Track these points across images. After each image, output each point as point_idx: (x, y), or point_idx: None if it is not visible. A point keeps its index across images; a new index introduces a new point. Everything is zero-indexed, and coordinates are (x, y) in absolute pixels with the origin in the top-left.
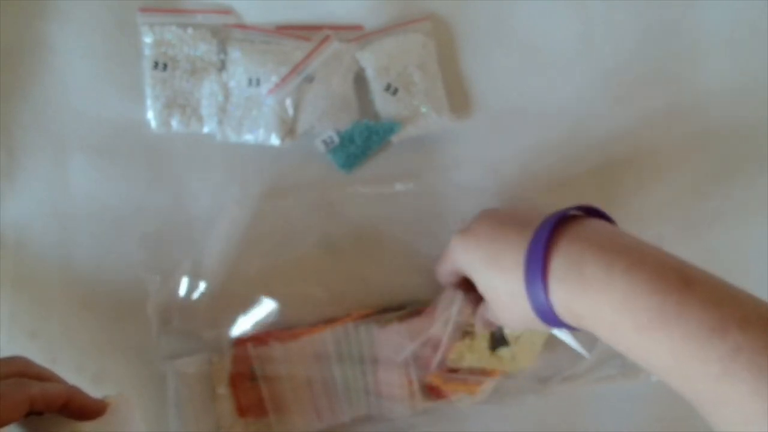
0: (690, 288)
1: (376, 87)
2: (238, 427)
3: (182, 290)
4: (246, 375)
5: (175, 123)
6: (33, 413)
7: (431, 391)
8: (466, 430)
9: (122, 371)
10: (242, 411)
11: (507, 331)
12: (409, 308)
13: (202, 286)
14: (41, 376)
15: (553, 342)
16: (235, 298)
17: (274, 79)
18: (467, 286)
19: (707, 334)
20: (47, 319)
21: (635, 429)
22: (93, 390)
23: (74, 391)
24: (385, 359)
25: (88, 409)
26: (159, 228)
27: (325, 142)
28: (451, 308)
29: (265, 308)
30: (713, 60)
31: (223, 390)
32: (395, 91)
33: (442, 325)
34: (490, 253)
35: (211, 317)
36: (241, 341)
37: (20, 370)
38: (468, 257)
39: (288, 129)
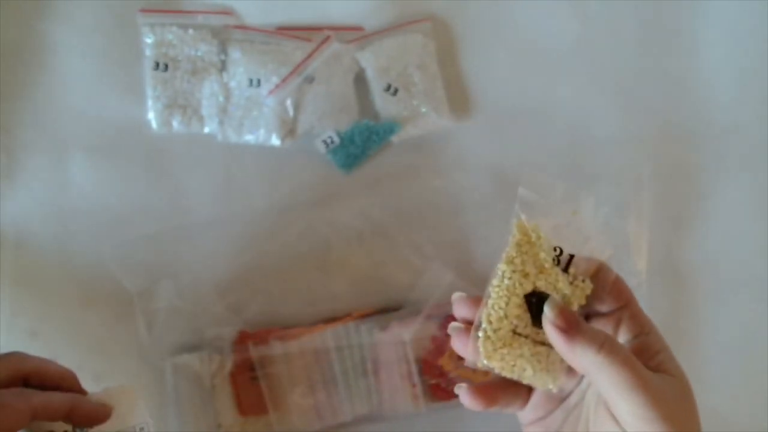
0: None
1: (376, 87)
2: (238, 426)
3: (181, 291)
4: (246, 373)
5: (175, 123)
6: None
7: (436, 393)
8: (466, 430)
9: (123, 370)
10: (242, 409)
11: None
12: (409, 308)
13: (202, 285)
14: (40, 370)
15: None
16: (235, 296)
17: (275, 79)
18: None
19: None
20: (47, 318)
21: None
22: (94, 389)
23: (78, 400)
24: (386, 360)
25: (92, 417)
26: (158, 228)
27: (325, 142)
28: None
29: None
30: (712, 59)
31: (223, 388)
32: (395, 92)
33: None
34: None
35: (212, 315)
36: (241, 339)
37: (16, 368)
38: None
39: (288, 129)
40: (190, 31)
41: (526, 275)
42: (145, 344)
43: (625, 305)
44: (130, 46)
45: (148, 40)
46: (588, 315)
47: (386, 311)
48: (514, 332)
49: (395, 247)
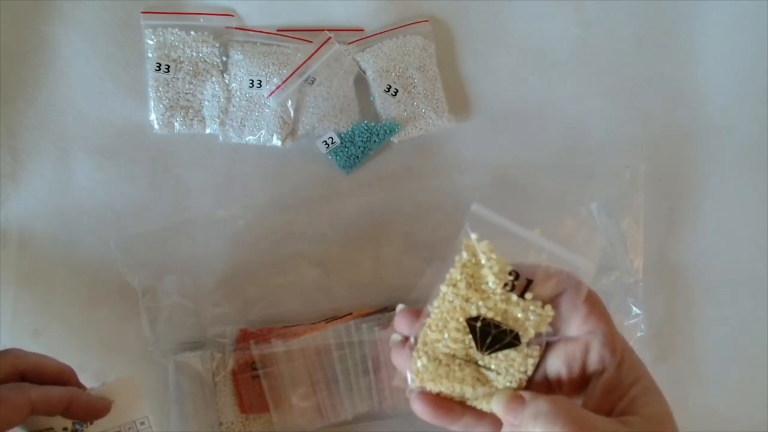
0: None
1: (376, 88)
2: (239, 424)
3: (183, 289)
4: (248, 371)
5: (177, 124)
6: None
7: None
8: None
9: (124, 369)
10: (244, 407)
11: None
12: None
13: (203, 284)
14: (38, 365)
15: None
16: (237, 295)
17: (276, 80)
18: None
19: None
20: (50, 317)
21: None
22: (94, 386)
23: (76, 394)
24: (387, 358)
25: (91, 411)
26: (160, 226)
27: (326, 142)
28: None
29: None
30: (710, 60)
31: (224, 386)
32: (395, 93)
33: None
34: None
35: (214, 314)
36: (243, 338)
37: (14, 363)
38: None
39: (289, 130)
40: (192, 32)
41: (467, 300)
42: (148, 341)
43: (595, 329)
44: (132, 48)
45: (150, 42)
46: (552, 342)
47: (386, 311)
48: (454, 356)
49: (395, 247)
